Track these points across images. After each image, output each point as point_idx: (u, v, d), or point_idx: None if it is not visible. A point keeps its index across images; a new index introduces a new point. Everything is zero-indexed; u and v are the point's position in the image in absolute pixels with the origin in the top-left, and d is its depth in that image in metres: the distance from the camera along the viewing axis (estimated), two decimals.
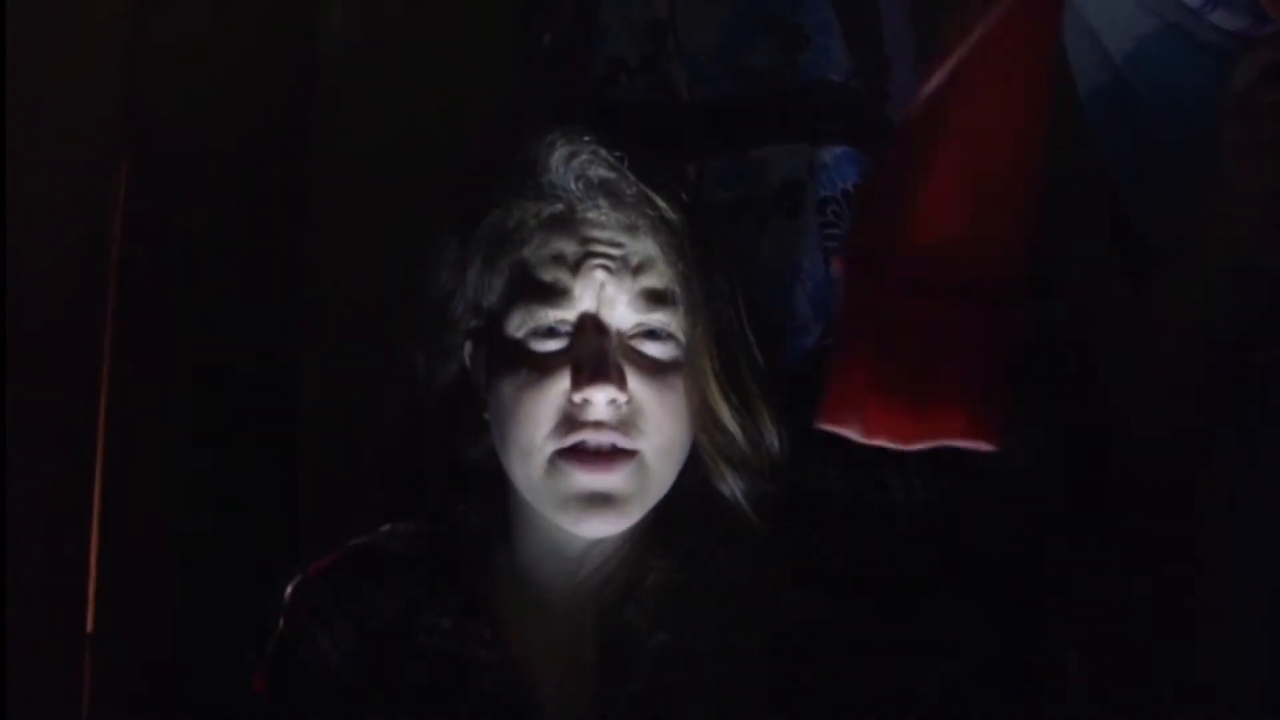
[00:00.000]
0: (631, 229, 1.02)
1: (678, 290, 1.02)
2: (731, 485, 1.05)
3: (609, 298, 1.01)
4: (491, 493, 1.06)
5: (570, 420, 0.99)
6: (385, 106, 1.54)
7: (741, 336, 1.05)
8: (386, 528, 1.07)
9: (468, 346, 1.07)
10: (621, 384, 0.99)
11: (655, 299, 1.02)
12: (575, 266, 1.01)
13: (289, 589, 1.02)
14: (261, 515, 1.26)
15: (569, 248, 1.02)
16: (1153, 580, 1.13)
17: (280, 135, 1.48)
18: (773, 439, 1.06)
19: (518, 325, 1.02)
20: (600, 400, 0.99)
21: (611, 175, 1.03)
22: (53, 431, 1.00)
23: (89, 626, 1.01)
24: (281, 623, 1.01)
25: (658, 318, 1.02)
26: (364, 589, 1.02)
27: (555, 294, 1.01)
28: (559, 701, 1.01)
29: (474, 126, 1.36)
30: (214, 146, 1.25)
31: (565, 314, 1.01)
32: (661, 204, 1.02)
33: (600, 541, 1.03)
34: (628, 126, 1.27)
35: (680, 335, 1.02)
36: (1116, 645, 1.15)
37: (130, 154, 1.08)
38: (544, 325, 1.01)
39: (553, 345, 1.01)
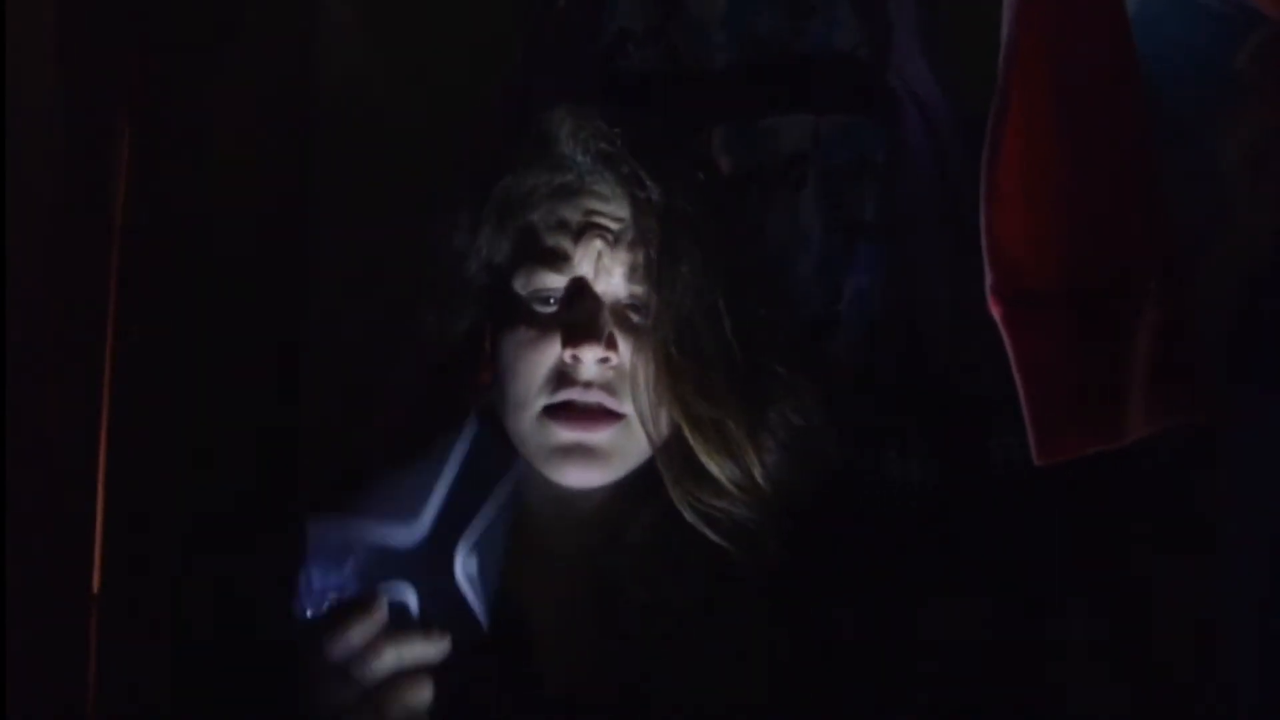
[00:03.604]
0: (625, 204, 1.06)
1: (648, 268, 1.06)
2: (682, 498, 1.04)
3: (605, 267, 1.06)
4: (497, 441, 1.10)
5: (560, 377, 1.04)
6: (388, 74, 1.54)
7: (714, 331, 1.06)
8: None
9: (477, 303, 1.11)
10: (611, 345, 1.04)
11: (642, 272, 1.06)
12: (578, 234, 1.06)
13: None
14: (265, 474, 1.27)
15: (573, 216, 1.07)
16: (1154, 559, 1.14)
17: (286, 97, 1.48)
18: (748, 460, 1.05)
19: (522, 285, 1.07)
20: (589, 359, 1.03)
21: (610, 150, 1.07)
22: (56, 394, 1.01)
23: (94, 586, 1.02)
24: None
25: (645, 290, 1.06)
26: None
27: (556, 258, 1.06)
28: (552, 633, 1.06)
29: (479, 95, 1.36)
30: (217, 112, 1.25)
31: (564, 277, 1.06)
32: (649, 183, 1.06)
33: (590, 493, 1.07)
34: (635, 97, 1.29)
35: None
36: (1119, 614, 1.16)
37: (132, 118, 1.08)
38: (544, 286, 1.06)
39: (550, 307, 1.06)
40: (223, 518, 1.21)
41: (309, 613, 1.03)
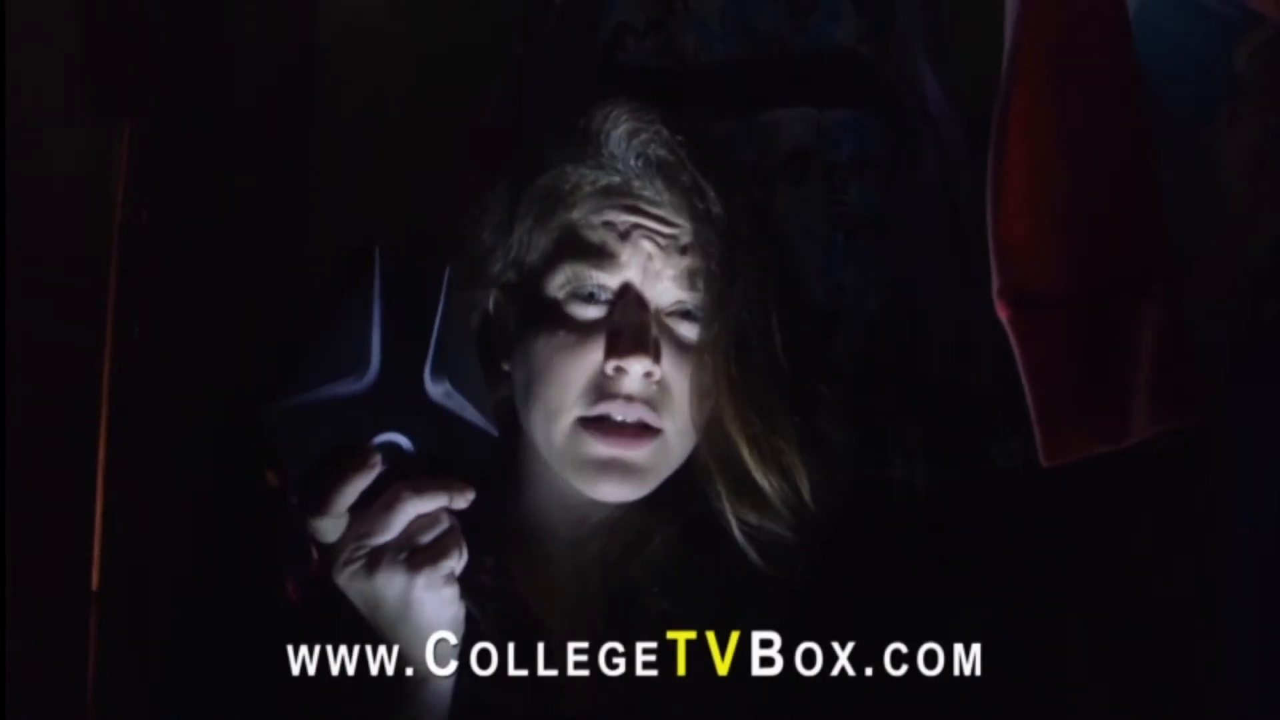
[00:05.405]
0: (681, 212, 1.02)
1: (709, 281, 1.02)
2: (731, 515, 1.02)
3: (655, 271, 1.01)
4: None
5: (600, 389, 1.00)
6: (389, 68, 1.54)
7: (766, 348, 1.03)
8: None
9: (494, 297, 1.06)
10: (657, 358, 0.99)
11: (695, 281, 1.02)
12: (625, 234, 1.01)
13: None
14: (267, 474, 1.27)
15: (620, 216, 1.02)
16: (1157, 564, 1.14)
17: (286, 95, 1.48)
18: (797, 478, 1.02)
19: (559, 285, 1.02)
20: (635, 371, 0.99)
21: (670, 158, 1.03)
22: (57, 393, 1.01)
23: (94, 586, 1.02)
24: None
25: (696, 299, 1.02)
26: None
27: (602, 257, 1.01)
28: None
29: (480, 86, 1.36)
30: (217, 111, 1.25)
31: (609, 279, 1.01)
32: (712, 195, 1.02)
33: (610, 504, 1.04)
34: (635, 92, 1.28)
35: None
36: (1117, 617, 1.16)
37: (133, 115, 1.08)
38: (586, 287, 1.01)
39: (592, 312, 1.01)
40: (226, 516, 1.21)
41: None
